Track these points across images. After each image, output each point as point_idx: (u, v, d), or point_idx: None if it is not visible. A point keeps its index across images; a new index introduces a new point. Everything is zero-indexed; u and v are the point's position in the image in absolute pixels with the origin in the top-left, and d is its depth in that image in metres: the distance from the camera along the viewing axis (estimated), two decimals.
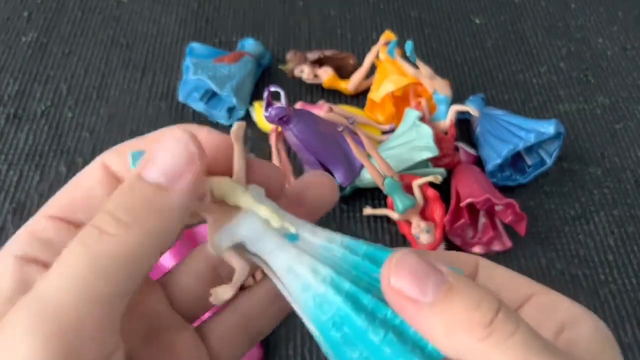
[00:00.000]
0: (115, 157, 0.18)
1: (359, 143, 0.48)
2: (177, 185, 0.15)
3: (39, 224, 0.16)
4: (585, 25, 0.69)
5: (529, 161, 0.54)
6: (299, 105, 0.56)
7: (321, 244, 0.18)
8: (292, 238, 0.18)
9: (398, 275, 0.16)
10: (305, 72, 0.59)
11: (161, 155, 0.15)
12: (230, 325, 0.21)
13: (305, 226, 0.19)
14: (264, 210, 0.17)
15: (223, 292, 0.18)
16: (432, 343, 0.16)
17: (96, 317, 0.14)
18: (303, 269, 0.18)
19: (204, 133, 0.18)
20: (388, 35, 0.57)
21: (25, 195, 0.52)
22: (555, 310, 0.18)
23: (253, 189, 0.18)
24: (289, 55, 0.60)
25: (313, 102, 0.59)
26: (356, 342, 0.17)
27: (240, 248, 0.18)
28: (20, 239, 0.16)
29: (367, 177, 0.50)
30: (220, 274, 0.21)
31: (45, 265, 0.15)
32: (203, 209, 0.18)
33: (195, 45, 0.61)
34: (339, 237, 0.18)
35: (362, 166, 0.50)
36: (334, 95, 0.61)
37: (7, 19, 0.66)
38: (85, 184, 0.17)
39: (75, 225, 0.17)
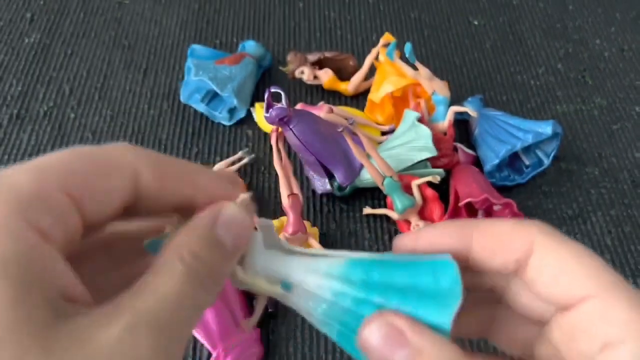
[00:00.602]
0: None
1: (359, 143, 0.49)
2: (237, 254, 0.18)
3: (47, 183, 0.16)
4: (583, 27, 0.70)
5: (527, 161, 0.55)
6: (299, 106, 0.56)
7: (316, 282, 0.20)
8: (286, 288, 0.20)
9: (370, 334, 0.17)
10: (305, 74, 0.59)
11: (238, 224, 0.18)
12: None
13: (299, 266, 0.20)
14: (261, 285, 0.20)
15: (253, 322, 0.23)
16: None
17: (190, 335, 0.16)
18: (302, 310, 0.20)
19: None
20: (387, 37, 0.58)
21: None
22: (601, 321, 0.16)
23: (263, 222, 0.20)
24: (290, 57, 0.60)
25: (313, 103, 0.59)
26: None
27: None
28: (30, 197, 0.15)
29: (367, 177, 0.50)
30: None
31: (47, 239, 0.15)
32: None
33: (197, 47, 0.61)
34: (329, 282, 0.19)
35: (361, 166, 0.50)
36: (334, 96, 0.61)
37: (10, 21, 0.67)
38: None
39: (74, 200, 0.16)
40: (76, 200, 0.15)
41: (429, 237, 0.20)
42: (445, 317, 0.17)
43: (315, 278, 0.19)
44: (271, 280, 0.20)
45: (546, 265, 0.18)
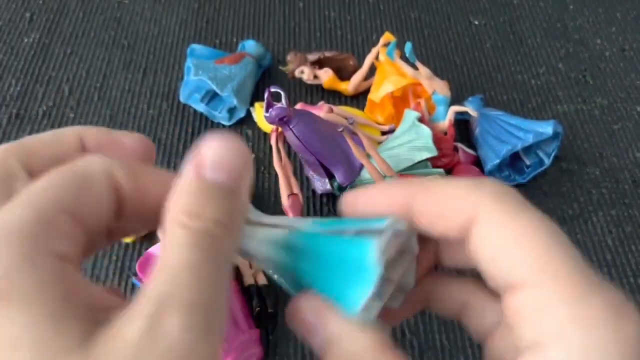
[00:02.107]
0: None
1: (359, 143, 0.49)
2: (243, 187, 0.16)
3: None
4: (583, 27, 0.70)
5: (528, 161, 0.55)
6: (299, 106, 0.56)
7: (268, 235, 0.19)
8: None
9: (298, 308, 0.17)
10: (305, 73, 0.59)
11: (224, 155, 0.15)
12: None
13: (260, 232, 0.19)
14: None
15: None
16: None
17: (223, 304, 0.14)
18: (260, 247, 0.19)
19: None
20: (387, 37, 0.58)
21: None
22: (538, 317, 0.15)
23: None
24: (289, 56, 0.60)
25: (313, 102, 0.59)
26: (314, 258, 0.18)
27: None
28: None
29: (367, 177, 0.50)
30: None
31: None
32: None
33: (196, 46, 0.61)
34: (270, 253, 0.19)
35: (361, 166, 0.50)
36: (334, 96, 0.61)
37: (9, 21, 0.67)
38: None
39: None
40: (74, 216, 0.15)
41: (369, 198, 0.18)
42: (357, 300, 0.16)
43: (263, 246, 0.19)
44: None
45: (487, 240, 0.15)
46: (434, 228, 0.17)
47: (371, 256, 0.16)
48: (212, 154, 0.15)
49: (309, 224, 0.19)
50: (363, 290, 0.16)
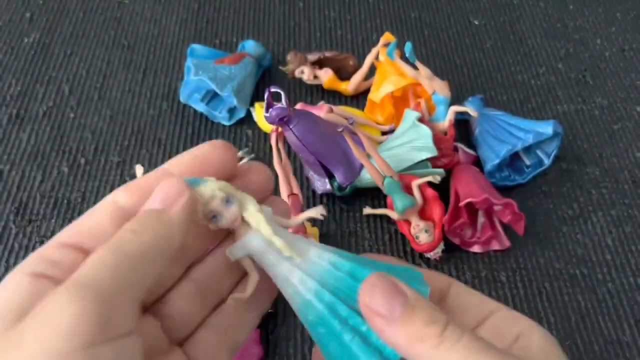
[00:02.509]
0: (123, 193, 0.21)
1: (359, 143, 0.49)
2: (175, 208, 0.20)
3: (49, 248, 0.19)
4: (583, 27, 0.70)
5: (528, 161, 0.55)
6: (299, 106, 0.56)
7: (312, 260, 0.22)
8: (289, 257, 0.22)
9: (372, 295, 0.20)
10: (305, 73, 0.59)
11: (161, 192, 0.20)
12: (209, 341, 0.23)
13: (300, 246, 0.22)
14: (278, 242, 0.22)
15: (242, 298, 0.23)
16: (397, 350, 0.20)
17: (123, 296, 0.17)
18: (294, 279, 0.22)
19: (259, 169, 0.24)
20: (387, 37, 0.58)
21: (27, 195, 0.53)
22: (512, 324, 0.22)
23: (265, 210, 0.22)
24: (289, 56, 0.60)
25: (313, 103, 0.59)
26: (332, 340, 0.21)
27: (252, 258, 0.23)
28: (31, 260, 0.19)
29: (367, 177, 0.50)
30: (206, 296, 0.23)
31: (54, 280, 0.18)
32: (236, 224, 0.22)
33: (196, 46, 0.61)
34: (328, 254, 0.22)
35: (362, 166, 0.50)
36: (334, 96, 0.61)
37: (9, 20, 0.67)
38: (95, 216, 0.21)
39: (82, 251, 0.19)
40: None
41: None
42: None
43: (313, 255, 0.22)
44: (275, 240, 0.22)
45: (462, 295, 0.24)
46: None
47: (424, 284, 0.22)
48: (152, 195, 0.20)
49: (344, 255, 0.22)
50: None
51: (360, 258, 0.23)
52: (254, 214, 0.22)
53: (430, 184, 0.49)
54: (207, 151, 0.22)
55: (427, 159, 0.51)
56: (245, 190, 0.23)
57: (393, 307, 0.19)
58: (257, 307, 0.25)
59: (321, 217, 0.24)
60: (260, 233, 0.22)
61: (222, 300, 0.24)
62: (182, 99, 0.59)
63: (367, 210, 0.52)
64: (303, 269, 0.22)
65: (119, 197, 0.21)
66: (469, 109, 0.54)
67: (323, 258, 0.22)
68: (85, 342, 0.16)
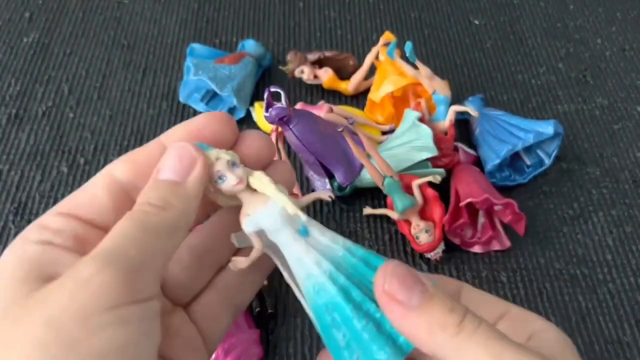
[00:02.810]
0: (121, 165, 0.21)
1: (359, 143, 0.48)
2: (189, 180, 0.20)
3: (48, 217, 0.20)
4: (583, 26, 0.69)
5: (528, 161, 0.55)
6: (299, 105, 0.56)
7: (327, 242, 0.22)
8: (304, 233, 0.22)
9: (390, 282, 0.19)
10: (305, 73, 0.59)
11: (176, 161, 0.20)
12: (211, 302, 0.24)
13: (315, 225, 0.22)
14: (290, 206, 0.21)
15: (240, 262, 0.22)
16: (414, 339, 0.19)
17: (147, 265, 0.18)
18: (309, 260, 0.21)
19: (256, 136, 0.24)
20: (388, 36, 0.57)
21: (27, 195, 0.53)
22: (525, 322, 0.22)
23: (279, 186, 0.22)
24: (289, 56, 0.60)
25: (313, 102, 0.59)
26: (342, 326, 0.21)
27: (261, 234, 0.22)
28: (33, 229, 0.20)
29: (367, 177, 0.50)
30: (205, 261, 0.24)
31: (61, 247, 0.19)
32: (241, 193, 0.22)
33: (196, 46, 0.61)
34: (341, 240, 0.22)
35: (362, 166, 0.50)
36: (334, 96, 0.61)
37: (8, 20, 0.67)
38: (91, 188, 0.21)
39: (80, 220, 0.20)
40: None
41: None
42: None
43: (329, 238, 0.22)
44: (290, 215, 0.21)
45: (474, 297, 0.24)
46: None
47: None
48: (165, 160, 0.20)
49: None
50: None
51: (373, 252, 0.23)
52: (259, 176, 0.22)
53: (430, 184, 0.49)
54: (202, 123, 0.22)
55: (428, 159, 0.50)
56: (244, 157, 0.23)
57: (412, 294, 0.19)
58: (261, 269, 0.25)
59: (329, 199, 0.24)
60: (276, 208, 0.22)
61: (225, 263, 0.24)
62: (181, 99, 0.59)
63: (367, 210, 0.51)
64: (318, 250, 0.22)
65: (116, 169, 0.21)
66: (470, 108, 0.54)
67: (337, 242, 0.22)
68: (112, 304, 0.17)
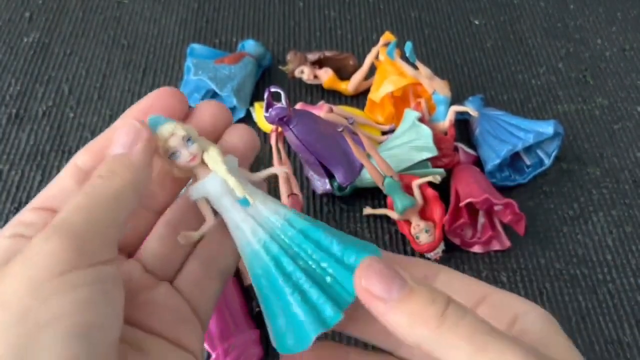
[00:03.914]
0: (83, 155, 0.23)
1: (359, 143, 0.48)
2: (134, 150, 0.21)
3: (24, 213, 0.22)
4: (584, 26, 0.69)
5: (528, 161, 0.55)
6: (299, 105, 0.56)
7: (266, 213, 0.23)
8: (243, 203, 0.23)
9: (368, 279, 0.19)
10: (305, 73, 0.59)
11: (122, 136, 0.22)
12: (194, 271, 0.24)
13: (259, 196, 0.23)
14: (231, 181, 0.22)
15: (190, 236, 0.23)
16: (399, 333, 0.19)
17: (96, 231, 0.19)
18: (246, 228, 0.23)
19: (212, 106, 0.25)
20: (388, 36, 0.57)
21: (27, 195, 0.53)
22: (508, 306, 0.22)
23: (229, 158, 0.23)
24: (289, 56, 0.60)
25: (313, 102, 0.59)
26: (273, 293, 0.22)
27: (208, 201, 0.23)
28: (9, 226, 0.21)
29: (367, 177, 0.50)
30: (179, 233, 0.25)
31: (29, 238, 0.19)
32: (196, 168, 0.23)
33: (196, 46, 0.61)
34: (284, 211, 0.23)
35: (362, 166, 0.50)
36: (334, 96, 0.61)
37: (8, 20, 0.67)
38: (59, 181, 0.23)
39: (53, 211, 0.21)
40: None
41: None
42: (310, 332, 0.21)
43: (270, 209, 0.23)
44: (233, 184, 0.22)
45: (452, 281, 0.23)
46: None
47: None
48: (114, 138, 0.22)
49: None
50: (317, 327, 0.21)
51: (318, 222, 0.23)
52: (213, 154, 0.22)
53: (430, 184, 0.49)
54: (152, 99, 0.24)
55: (428, 159, 0.50)
56: (199, 128, 0.24)
57: (391, 289, 0.19)
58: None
59: (283, 174, 0.25)
60: (218, 176, 0.22)
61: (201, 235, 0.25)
62: None
63: (367, 211, 0.51)
64: (256, 219, 0.23)
65: (79, 159, 0.23)
66: (470, 108, 0.54)
67: (279, 213, 0.23)
68: (62, 270, 0.17)
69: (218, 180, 0.23)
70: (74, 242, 0.18)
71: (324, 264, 0.22)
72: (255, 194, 0.23)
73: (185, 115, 0.25)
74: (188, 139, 0.22)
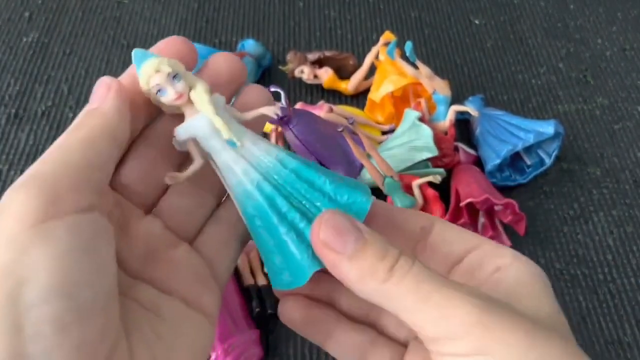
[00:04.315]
0: None
1: (359, 143, 0.48)
2: (106, 101, 0.21)
3: None
4: (584, 26, 0.69)
5: (528, 161, 0.55)
6: (299, 105, 0.56)
7: (258, 153, 0.22)
8: (233, 144, 0.22)
9: (326, 231, 0.20)
10: (305, 73, 0.59)
11: (94, 94, 0.21)
12: (215, 232, 0.24)
13: (248, 137, 0.22)
14: (218, 122, 0.21)
15: (178, 176, 0.22)
16: (350, 287, 0.20)
17: (69, 177, 0.18)
18: (238, 168, 0.22)
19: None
20: (388, 36, 0.57)
21: None
22: (494, 256, 0.22)
23: (216, 97, 0.22)
24: (289, 56, 0.60)
25: (313, 102, 0.59)
26: (268, 232, 0.21)
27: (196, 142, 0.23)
28: None
29: (367, 177, 0.50)
30: (202, 188, 0.24)
31: None
32: (184, 105, 0.22)
33: (196, 46, 0.61)
34: (276, 151, 0.22)
35: (362, 166, 0.50)
36: (334, 96, 0.61)
37: (8, 20, 0.66)
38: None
39: None
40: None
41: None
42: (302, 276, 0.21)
43: (261, 149, 0.22)
44: (222, 125, 0.21)
45: (445, 232, 0.23)
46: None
47: (365, 206, 0.22)
48: (90, 97, 0.21)
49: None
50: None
51: (311, 162, 0.23)
52: (199, 93, 0.22)
53: (430, 184, 0.49)
54: (162, 48, 0.23)
55: (428, 159, 0.50)
56: (215, 80, 0.23)
57: (345, 243, 0.19)
58: None
59: (274, 116, 0.23)
60: (205, 115, 0.22)
61: (222, 192, 0.24)
62: None
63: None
64: (247, 159, 0.22)
65: None
66: (470, 108, 0.54)
67: (271, 153, 0.22)
68: (36, 220, 0.17)
69: (206, 120, 0.22)
70: (44, 189, 0.17)
71: (317, 203, 0.22)
72: (244, 134, 0.22)
73: (194, 66, 0.24)
74: (174, 76, 0.21)
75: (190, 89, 0.22)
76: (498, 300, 0.19)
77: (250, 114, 0.23)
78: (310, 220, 0.21)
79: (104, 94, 0.21)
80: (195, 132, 0.22)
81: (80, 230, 0.18)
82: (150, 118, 0.23)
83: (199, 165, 0.22)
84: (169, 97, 0.21)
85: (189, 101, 0.22)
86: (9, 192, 0.18)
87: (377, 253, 0.19)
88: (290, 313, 0.24)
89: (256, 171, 0.22)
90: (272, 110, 0.23)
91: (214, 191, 0.24)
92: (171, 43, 0.23)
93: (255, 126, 0.24)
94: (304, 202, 0.22)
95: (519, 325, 0.18)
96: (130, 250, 0.21)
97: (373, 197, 0.22)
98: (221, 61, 0.24)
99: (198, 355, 0.21)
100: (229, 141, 0.22)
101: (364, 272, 0.19)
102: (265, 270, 0.22)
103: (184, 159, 0.24)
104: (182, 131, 0.22)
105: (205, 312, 0.22)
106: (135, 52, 0.22)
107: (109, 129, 0.20)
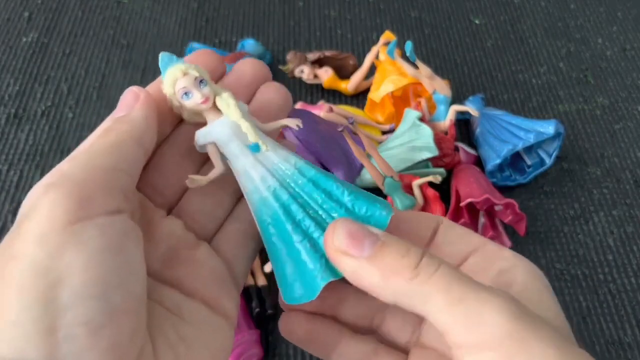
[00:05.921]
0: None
1: (359, 143, 0.48)
2: (134, 109, 0.21)
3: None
4: (584, 26, 0.69)
5: (529, 161, 0.55)
6: (299, 105, 0.56)
7: (277, 160, 0.22)
8: (254, 149, 0.22)
9: (339, 238, 0.19)
10: (305, 73, 0.59)
11: (121, 102, 0.22)
12: (234, 232, 0.24)
13: (269, 143, 0.22)
14: (244, 125, 0.21)
15: (198, 180, 0.22)
16: (372, 290, 0.19)
17: (99, 179, 0.19)
18: (255, 174, 0.22)
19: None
20: (388, 36, 0.57)
21: (26, 195, 0.52)
22: (497, 258, 0.22)
23: (240, 104, 0.22)
24: (289, 56, 0.60)
25: (313, 102, 0.59)
26: (281, 240, 0.21)
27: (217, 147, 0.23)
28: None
29: (367, 177, 0.50)
30: (220, 188, 0.24)
31: None
32: (206, 112, 0.23)
33: (196, 46, 0.61)
34: (295, 159, 0.22)
35: (362, 166, 0.50)
36: (334, 96, 0.61)
37: (7, 20, 0.66)
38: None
39: None
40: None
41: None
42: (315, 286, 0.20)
43: (280, 156, 0.22)
44: (245, 128, 0.22)
45: (449, 233, 0.23)
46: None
47: (385, 219, 0.21)
48: (118, 106, 0.22)
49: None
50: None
51: (330, 173, 0.22)
52: (226, 98, 0.22)
53: (431, 184, 0.49)
54: (194, 58, 0.24)
55: (428, 159, 0.50)
56: (239, 82, 0.24)
57: (362, 245, 0.19)
58: None
59: (296, 128, 0.24)
60: (226, 120, 0.22)
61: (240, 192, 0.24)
62: None
63: None
64: (266, 166, 0.22)
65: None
66: (470, 108, 0.54)
67: (289, 160, 0.22)
68: (68, 221, 0.17)
69: (227, 124, 0.22)
70: (74, 190, 0.18)
71: (334, 214, 0.21)
72: (266, 140, 0.22)
73: (221, 79, 0.25)
74: (201, 81, 0.22)
75: (215, 95, 0.22)
76: (527, 308, 0.18)
77: (271, 125, 0.24)
78: (325, 230, 0.20)
79: (132, 102, 0.22)
80: (215, 136, 0.22)
81: (111, 232, 0.18)
82: (174, 125, 0.24)
83: (220, 171, 0.23)
84: (195, 99, 0.22)
85: (213, 107, 0.22)
86: (37, 191, 0.18)
87: (399, 250, 0.18)
88: (293, 328, 0.24)
89: (273, 178, 0.22)
90: (294, 122, 0.23)
91: (232, 191, 0.24)
92: (201, 55, 0.24)
93: (273, 133, 0.25)
94: (320, 212, 0.21)
95: (551, 342, 0.17)
96: (152, 252, 0.21)
97: (393, 211, 0.21)
98: (247, 66, 0.25)
99: (219, 357, 0.21)
100: (252, 146, 0.22)
101: (387, 272, 0.18)
102: (277, 284, 0.22)
103: (208, 158, 0.24)
104: (202, 135, 0.22)
105: (226, 314, 0.22)
106: (162, 56, 0.22)
107: (137, 135, 0.21)
